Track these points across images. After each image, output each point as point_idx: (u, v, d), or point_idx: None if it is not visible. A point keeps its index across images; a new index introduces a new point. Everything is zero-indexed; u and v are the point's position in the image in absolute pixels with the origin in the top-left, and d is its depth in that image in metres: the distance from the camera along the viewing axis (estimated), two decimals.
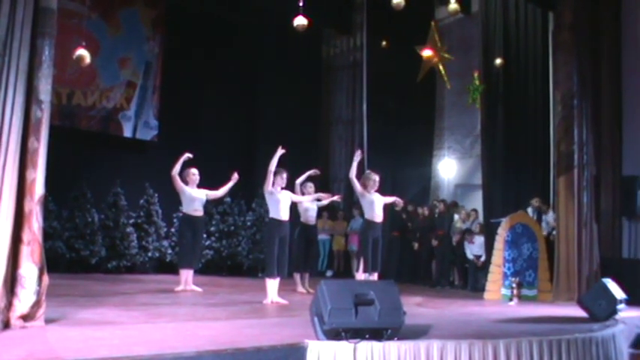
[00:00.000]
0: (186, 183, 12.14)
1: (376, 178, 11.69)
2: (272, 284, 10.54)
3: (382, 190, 11.91)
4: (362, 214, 16.42)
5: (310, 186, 12.76)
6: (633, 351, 9.08)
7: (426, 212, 16.93)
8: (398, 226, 17.14)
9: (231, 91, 18.32)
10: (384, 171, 17.97)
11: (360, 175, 11.80)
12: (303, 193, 12.49)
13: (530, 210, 14.50)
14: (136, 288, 11.89)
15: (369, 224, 11.67)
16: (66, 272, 14.17)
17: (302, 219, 12.81)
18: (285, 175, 10.97)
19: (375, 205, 11.61)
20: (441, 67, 14.14)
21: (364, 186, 11.59)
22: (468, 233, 15.35)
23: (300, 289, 12.56)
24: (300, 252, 12.83)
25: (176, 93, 17.12)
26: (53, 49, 6.89)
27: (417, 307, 10.64)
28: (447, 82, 14.62)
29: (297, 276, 12.79)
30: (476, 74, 15.29)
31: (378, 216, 11.64)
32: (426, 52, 13.94)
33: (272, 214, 10.82)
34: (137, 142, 17.11)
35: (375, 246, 11.66)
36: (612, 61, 14.06)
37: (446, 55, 14.17)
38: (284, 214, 10.74)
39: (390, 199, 11.99)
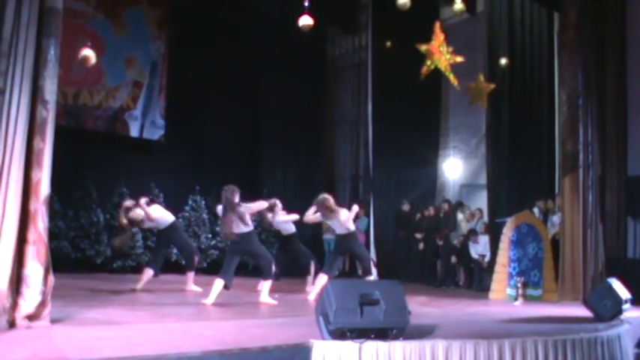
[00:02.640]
0: None
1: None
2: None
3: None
4: (367, 214, 16.41)
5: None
6: (639, 351, 9.08)
7: (432, 212, 16.91)
8: (404, 227, 17.15)
9: (236, 91, 18.33)
10: (389, 171, 18.03)
11: None
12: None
13: (536, 211, 14.48)
14: (142, 288, 11.90)
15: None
16: (71, 272, 14.19)
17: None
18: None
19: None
20: (447, 68, 14.06)
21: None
22: (472, 233, 15.34)
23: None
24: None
25: (182, 92, 17.14)
26: (58, 49, 6.90)
27: (422, 307, 10.64)
28: (457, 84, 14.56)
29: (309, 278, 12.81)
30: (481, 76, 15.25)
31: None
32: (425, 48, 13.87)
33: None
34: (142, 142, 17.11)
35: None
36: (617, 61, 14.06)
37: (448, 57, 14.10)
38: None
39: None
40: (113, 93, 16.57)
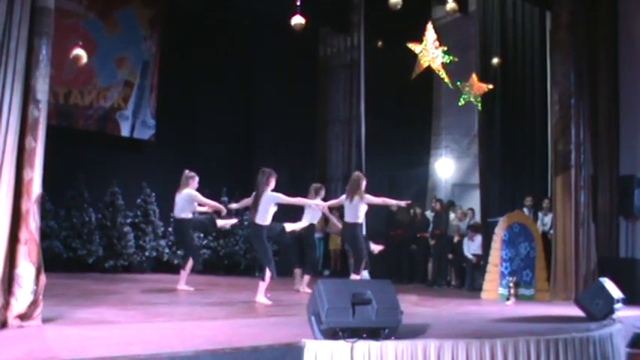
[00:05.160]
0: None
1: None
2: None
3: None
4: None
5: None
6: (630, 350, 9.09)
7: (419, 212, 16.89)
8: (395, 226, 17.12)
9: (228, 91, 18.33)
10: (382, 170, 18.04)
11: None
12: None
13: (525, 210, 14.51)
14: (133, 287, 11.88)
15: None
16: (63, 271, 14.15)
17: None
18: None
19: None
20: (439, 67, 14.07)
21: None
22: (472, 229, 15.31)
23: (302, 288, 12.46)
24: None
25: (174, 92, 17.13)
26: (50, 48, 6.88)
27: (414, 307, 10.63)
28: (449, 82, 14.57)
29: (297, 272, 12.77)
30: (474, 75, 15.24)
31: None
32: (417, 48, 13.88)
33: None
34: (134, 142, 17.11)
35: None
36: (609, 61, 14.08)
37: (442, 56, 14.07)
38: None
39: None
40: (104, 93, 16.56)
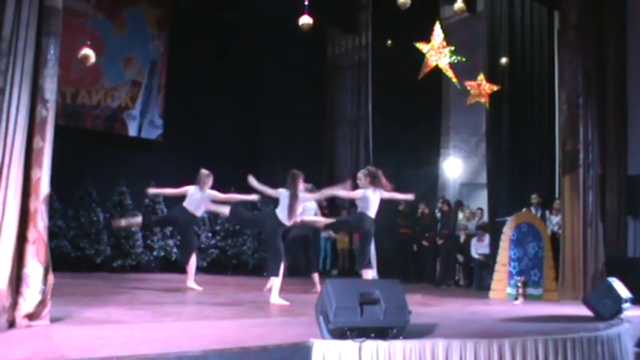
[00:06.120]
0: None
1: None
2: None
3: None
4: None
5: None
6: (639, 350, 9.07)
7: (427, 211, 16.88)
8: (403, 226, 17.09)
9: (236, 90, 18.35)
10: (389, 170, 17.97)
11: None
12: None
13: (532, 208, 14.49)
14: (141, 287, 11.89)
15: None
16: (71, 271, 14.18)
17: None
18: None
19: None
20: (447, 67, 14.04)
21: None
22: (481, 229, 15.30)
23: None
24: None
25: (181, 92, 17.17)
26: (58, 48, 6.88)
27: (422, 306, 10.60)
28: (456, 82, 14.55)
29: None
30: (482, 75, 15.19)
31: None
32: (425, 47, 13.86)
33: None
34: (142, 141, 17.16)
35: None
36: (618, 60, 14.05)
37: (450, 56, 14.01)
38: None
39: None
40: (112, 92, 16.61)
